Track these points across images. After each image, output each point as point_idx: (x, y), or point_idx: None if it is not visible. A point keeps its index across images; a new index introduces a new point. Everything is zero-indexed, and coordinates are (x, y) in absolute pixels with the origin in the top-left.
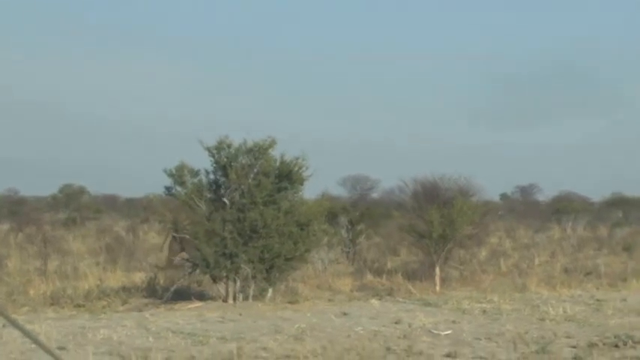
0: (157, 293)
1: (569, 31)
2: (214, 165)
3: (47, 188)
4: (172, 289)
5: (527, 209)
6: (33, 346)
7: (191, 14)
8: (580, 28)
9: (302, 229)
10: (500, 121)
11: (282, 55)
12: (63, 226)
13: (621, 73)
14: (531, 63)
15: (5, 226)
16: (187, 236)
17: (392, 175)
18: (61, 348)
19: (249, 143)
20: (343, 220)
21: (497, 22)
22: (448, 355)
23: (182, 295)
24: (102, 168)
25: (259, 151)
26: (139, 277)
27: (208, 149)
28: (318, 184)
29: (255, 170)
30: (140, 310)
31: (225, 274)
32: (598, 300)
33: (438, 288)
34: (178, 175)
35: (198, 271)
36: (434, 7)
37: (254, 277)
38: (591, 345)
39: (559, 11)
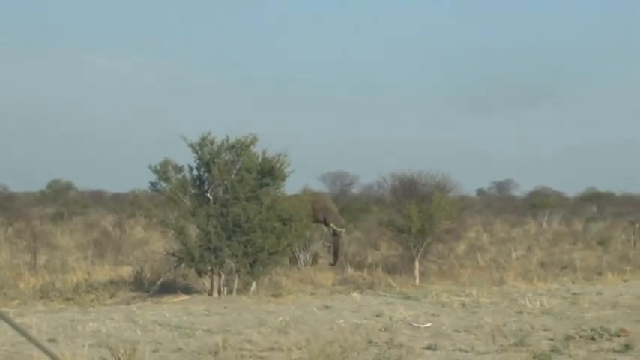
0: (144, 287)
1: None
2: (198, 161)
3: (36, 184)
4: (159, 282)
5: (504, 204)
6: (24, 338)
7: (179, 15)
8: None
9: (284, 224)
10: (476, 116)
11: (265, 55)
12: (51, 221)
13: (590, 69)
14: (506, 57)
15: None
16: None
17: (371, 172)
18: (51, 340)
19: (232, 140)
20: None
21: (453, 17)
22: (428, 347)
23: (168, 289)
24: (89, 164)
25: (241, 147)
26: (126, 271)
27: (192, 146)
28: (300, 180)
29: (238, 166)
30: (128, 303)
31: (209, 268)
32: (574, 293)
33: (417, 281)
34: (163, 171)
35: (183, 264)
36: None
37: (238, 271)
38: (568, 337)
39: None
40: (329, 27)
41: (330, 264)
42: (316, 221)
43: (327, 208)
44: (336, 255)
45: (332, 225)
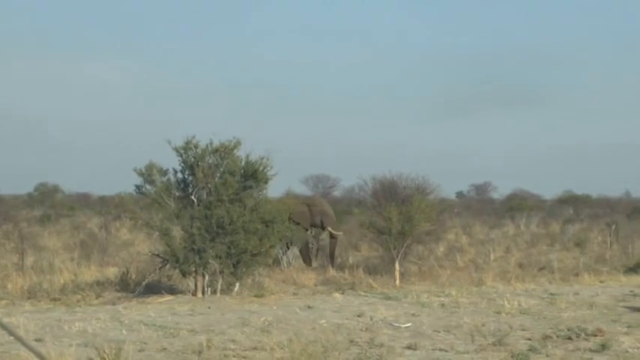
0: (130, 287)
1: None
2: (182, 164)
3: (23, 187)
4: (144, 283)
5: (483, 207)
6: (12, 338)
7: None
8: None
9: (267, 226)
10: (455, 119)
11: (249, 60)
12: (39, 222)
13: (569, 73)
14: (486, 60)
15: None
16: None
17: (352, 174)
18: (38, 340)
19: (216, 144)
20: None
21: (432, 21)
22: (408, 347)
23: (153, 290)
24: (75, 167)
25: (225, 151)
26: (112, 272)
27: (176, 149)
28: (282, 183)
29: (222, 169)
30: (113, 304)
31: (194, 269)
32: (551, 294)
33: (397, 282)
34: (148, 174)
35: (168, 266)
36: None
37: (221, 272)
38: (546, 337)
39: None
40: (310, 32)
41: (307, 265)
42: (313, 224)
43: (324, 212)
44: (332, 257)
45: (329, 228)
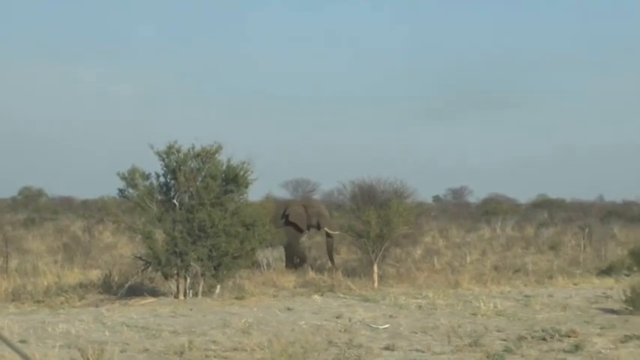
0: (112, 289)
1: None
2: (164, 169)
3: (7, 191)
4: (126, 285)
5: (459, 210)
6: None
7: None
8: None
9: (248, 229)
10: (432, 124)
11: (232, 66)
12: (23, 226)
13: (545, 79)
14: (461, 65)
15: None
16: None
17: (331, 178)
18: (22, 341)
19: (197, 148)
20: None
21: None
22: (386, 348)
23: (136, 292)
24: (59, 172)
25: (207, 155)
26: (95, 275)
27: (159, 154)
28: (263, 187)
29: (203, 174)
30: (96, 306)
31: (175, 272)
32: (526, 296)
33: (375, 284)
34: (130, 178)
35: (150, 268)
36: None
37: (203, 275)
38: (520, 338)
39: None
40: (296, 39)
41: (291, 267)
42: (310, 225)
43: (321, 213)
44: (331, 255)
45: (326, 228)
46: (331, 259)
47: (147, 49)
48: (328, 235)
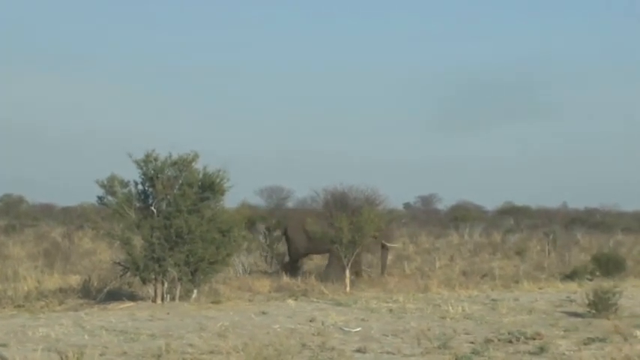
0: (92, 294)
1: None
2: (142, 177)
3: None
4: (105, 290)
5: (428, 217)
6: None
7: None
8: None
9: (224, 236)
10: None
11: (207, 74)
12: (3, 232)
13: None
14: (441, 80)
15: None
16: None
17: (305, 186)
18: (2, 345)
19: (174, 157)
20: (261, 227)
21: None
22: (358, 350)
23: (114, 296)
24: (39, 179)
25: (183, 164)
26: (75, 280)
27: (137, 162)
28: (238, 194)
29: (180, 181)
30: (76, 310)
31: (153, 277)
32: (493, 300)
33: (348, 289)
34: (109, 185)
35: (129, 273)
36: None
37: (180, 280)
38: (488, 341)
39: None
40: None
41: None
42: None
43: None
44: (384, 266)
45: (383, 241)
46: (383, 268)
47: (123, 53)
48: (384, 247)
